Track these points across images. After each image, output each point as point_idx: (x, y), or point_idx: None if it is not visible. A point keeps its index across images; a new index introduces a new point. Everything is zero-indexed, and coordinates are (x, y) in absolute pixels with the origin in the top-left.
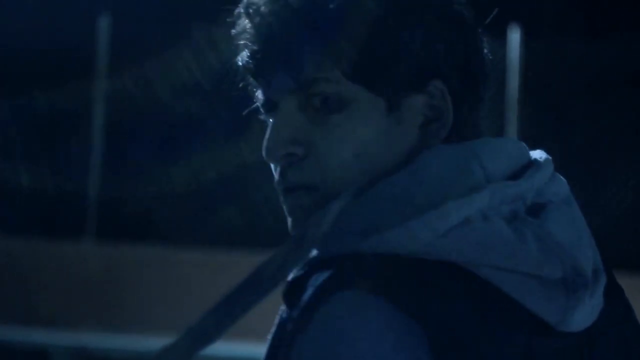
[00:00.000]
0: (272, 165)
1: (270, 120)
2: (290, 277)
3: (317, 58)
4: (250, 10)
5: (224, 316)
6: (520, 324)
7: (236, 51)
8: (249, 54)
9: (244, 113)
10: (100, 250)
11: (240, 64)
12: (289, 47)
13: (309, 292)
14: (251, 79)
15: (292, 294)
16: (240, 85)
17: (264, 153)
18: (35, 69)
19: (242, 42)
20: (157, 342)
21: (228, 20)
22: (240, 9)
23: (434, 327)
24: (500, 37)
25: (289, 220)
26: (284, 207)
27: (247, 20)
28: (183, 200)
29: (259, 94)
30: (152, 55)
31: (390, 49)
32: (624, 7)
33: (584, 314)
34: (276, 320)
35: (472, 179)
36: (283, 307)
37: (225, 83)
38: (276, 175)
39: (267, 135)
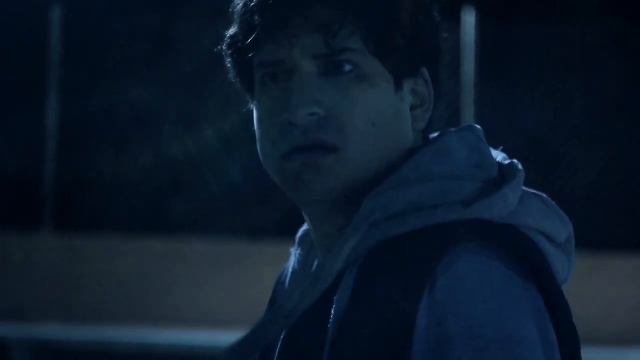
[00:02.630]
0: (266, 132)
1: (266, 79)
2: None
3: (350, 29)
4: None
5: (248, 351)
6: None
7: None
8: (263, 11)
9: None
10: (59, 241)
11: (242, 20)
12: (325, 13)
13: (426, 256)
14: (251, 36)
15: (378, 270)
16: (227, 49)
17: (287, 113)
18: None
19: (250, 2)
20: (117, 332)
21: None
22: None
23: (546, 286)
24: (456, 20)
25: (291, 180)
26: (286, 168)
27: None
28: (140, 189)
29: (266, 54)
30: (107, 45)
31: (406, 32)
32: None
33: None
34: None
35: (492, 160)
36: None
37: (185, 71)
38: (272, 144)
39: (289, 96)
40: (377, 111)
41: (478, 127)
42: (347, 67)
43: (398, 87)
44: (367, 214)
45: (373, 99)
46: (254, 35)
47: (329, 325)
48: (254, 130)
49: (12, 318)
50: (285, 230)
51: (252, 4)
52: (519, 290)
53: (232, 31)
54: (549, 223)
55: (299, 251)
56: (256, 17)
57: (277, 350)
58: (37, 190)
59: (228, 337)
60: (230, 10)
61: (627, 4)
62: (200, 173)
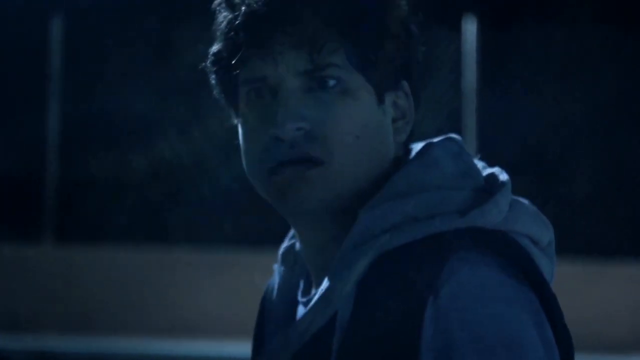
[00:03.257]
0: (251, 147)
1: (251, 95)
2: (360, 270)
3: (333, 45)
4: None
5: None
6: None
7: (189, 46)
8: (247, 28)
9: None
10: (58, 252)
11: (226, 37)
12: (309, 29)
13: (427, 267)
14: (237, 55)
15: (380, 279)
16: (211, 65)
17: (274, 128)
18: None
19: (237, 15)
20: (117, 344)
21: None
22: None
23: (539, 288)
24: (457, 29)
25: (278, 193)
26: (273, 182)
27: None
28: (139, 200)
29: (250, 70)
30: (107, 54)
31: (388, 47)
32: None
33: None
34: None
35: (477, 168)
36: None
37: (183, 81)
38: (258, 159)
39: (274, 112)
40: (361, 124)
41: (458, 137)
42: (331, 82)
43: (380, 100)
44: (365, 229)
45: (356, 112)
46: (238, 53)
47: (332, 341)
48: (239, 144)
49: (11, 329)
50: (281, 239)
51: (237, 22)
52: (517, 293)
53: (215, 48)
54: (535, 228)
55: (282, 268)
56: (240, 34)
57: None
58: (36, 202)
59: (227, 347)
60: (214, 28)
61: (625, 10)
62: (197, 182)
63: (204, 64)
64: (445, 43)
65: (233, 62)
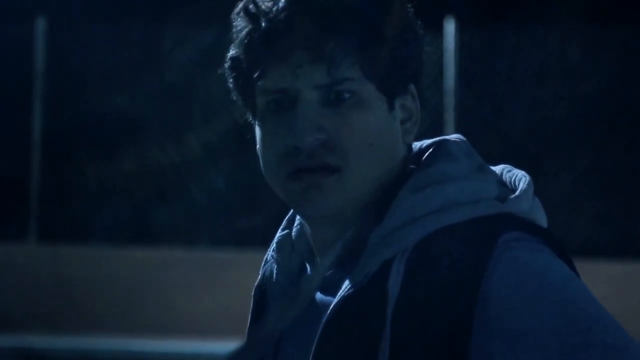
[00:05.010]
0: (270, 153)
1: (270, 104)
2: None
3: (351, 59)
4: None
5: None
6: None
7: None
8: (269, 42)
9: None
10: (44, 250)
11: (246, 48)
12: (328, 45)
13: (479, 244)
14: (257, 67)
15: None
16: (229, 71)
17: (294, 138)
18: None
19: (257, 27)
20: (102, 342)
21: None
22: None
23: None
24: (437, 29)
25: (296, 199)
26: (292, 188)
27: (278, 6)
28: (125, 199)
29: (270, 81)
30: (92, 55)
31: (400, 58)
32: None
33: None
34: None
35: (487, 164)
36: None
37: (168, 80)
38: (277, 164)
39: (294, 122)
40: (374, 132)
41: (463, 137)
42: (347, 95)
43: (391, 107)
44: (407, 212)
45: (370, 121)
46: (258, 65)
47: (384, 312)
48: (256, 148)
49: None
50: (271, 238)
51: (257, 35)
52: (569, 271)
53: (234, 54)
54: (544, 220)
55: (279, 255)
56: (261, 48)
57: (318, 338)
58: (22, 200)
59: (214, 345)
60: (234, 32)
61: (604, 11)
62: (185, 182)
63: (222, 68)
64: (427, 44)
65: (253, 73)
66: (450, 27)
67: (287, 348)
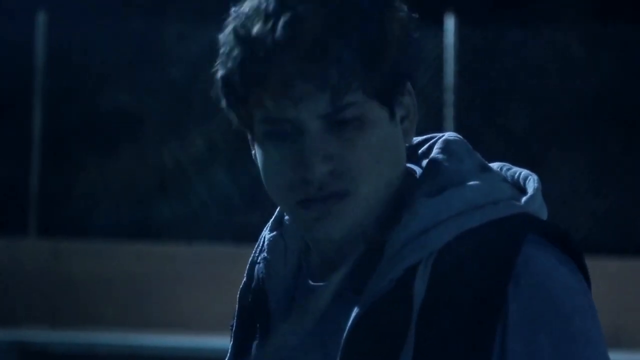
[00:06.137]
0: (277, 180)
1: (272, 133)
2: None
3: (352, 85)
4: (278, 27)
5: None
6: None
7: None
8: (267, 72)
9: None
10: (44, 244)
11: (241, 74)
12: (330, 75)
13: (504, 247)
14: (252, 94)
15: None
16: (223, 94)
17: (303, 170)
18: None
19: (253, 54)
20: (102, 335)
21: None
22: (255, 23)
23: (584, 268)
24: (437, 25)
25: (307, 226)
26: (302, 216)
27: (273, 36)
28: (125, 194)
29: (269, 111)
30: (92, 51)
31: (399, 69)
32: None
33: None
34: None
35: (487, 164)
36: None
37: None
38: (286, 192)
39: (302, 155)
40: (380, 150)
41: (456, 134)
42: (350, 118)
43: (392, 115)
44: (428, 217)
45: (375, 140)
46: (255, 94)
47: (410, 317)
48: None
49: None
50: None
51: (251, 64)
52: (578, 274)
53: (225, 74)
54: (546, 214)
55: (270, 257)
56: (257, 77)
57: (343, 346)
58: (22, 195)
59: (213, 340)
60: (222, 50)
61: (602, 8)
62: (186, 177)
63: (214, 90)
64: (427, 40)
65: (249, 101)
66: (450, 24)
67: (302, 356)
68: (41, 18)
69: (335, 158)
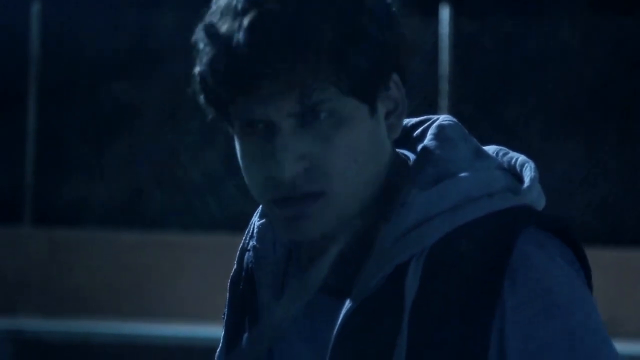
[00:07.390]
0: (253, 176)
1: (246, 128)
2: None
3: (324, 83)
4: (244, 26)
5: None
6: None
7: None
8: (235, 73)
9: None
10: (39, 233)
11: (211, 76)
12: (299, 74)
13: (498, 243)
14: (224, 92)
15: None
16: (199, 90)
17: (274, 169)
18: None
19: (221, 55)
20: (97, 324)
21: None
22: (224, 23)
23: (583, 260)
24: (432, 15)
25: (282, 226)
26: (277, 215)
27: (240, 35)
28: (119, 182)
29: (240, 110)
30: (87, 42)
31: (379, 63)
32: None
33: None
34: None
35: (483, 148)
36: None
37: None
38: (261, 189)
39: (273, 153)
40: (358, 149)
41: (451, 117)
42: (323, 115)
43: (373, 111)
44: (422, 211)
45: (353, 139)
46: (226, 92)
47: (401, 314)
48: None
49: None
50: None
51: (220, 64)
52: (576, 266)
53: (199, 70)
54: (544, 203)
55: (259, 245)
56: (226, 77)
57: (334, 340)
58: (17, 184)
59: (210, 329)
60: (196, 48)
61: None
62: (180, 166)
63: (191, 87)
64: (423, 29)
65: (223, 98)
66: (445, 14)
67: (292, 347)
68: (36, 8)
69: (309, 157)
